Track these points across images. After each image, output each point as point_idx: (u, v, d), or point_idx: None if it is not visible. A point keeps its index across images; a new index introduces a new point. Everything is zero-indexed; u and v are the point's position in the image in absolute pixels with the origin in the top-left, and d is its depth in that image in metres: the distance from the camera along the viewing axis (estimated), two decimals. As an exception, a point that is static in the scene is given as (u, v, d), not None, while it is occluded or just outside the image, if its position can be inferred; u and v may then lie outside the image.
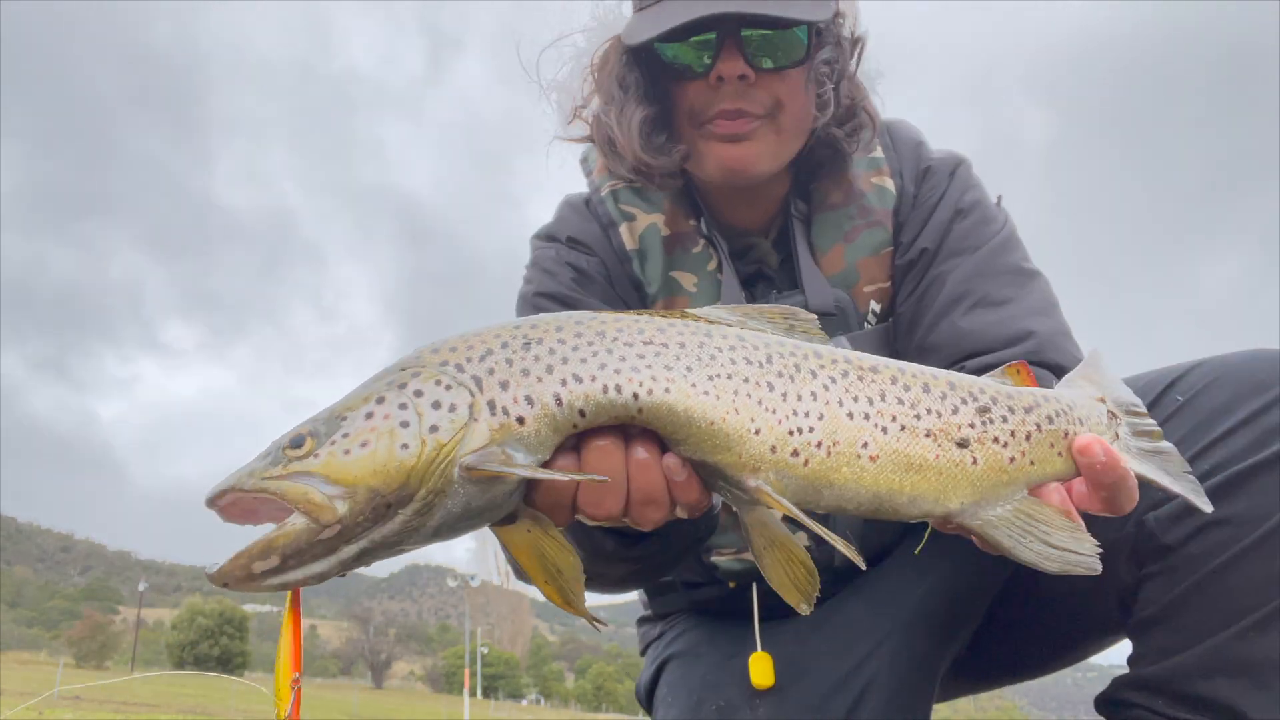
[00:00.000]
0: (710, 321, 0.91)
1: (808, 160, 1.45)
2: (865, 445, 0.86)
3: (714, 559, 1.51)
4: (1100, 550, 0.89)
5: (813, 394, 0.87)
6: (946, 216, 1.44)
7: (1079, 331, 1.37)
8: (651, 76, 1.39)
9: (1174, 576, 1.20)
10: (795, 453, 0.85)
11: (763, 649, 1.47)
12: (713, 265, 1.46)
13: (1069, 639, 1.48)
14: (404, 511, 0.78)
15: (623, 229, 1.48)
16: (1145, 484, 0.98)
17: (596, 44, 1.47)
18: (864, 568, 0.92)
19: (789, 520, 0.91)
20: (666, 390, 0.83)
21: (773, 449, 0.84)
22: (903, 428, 0.88)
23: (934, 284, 1.41)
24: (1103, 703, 1.32)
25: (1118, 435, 0.99)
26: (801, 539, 0.98)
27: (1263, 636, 1.11)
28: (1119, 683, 1.29)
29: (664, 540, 1.11)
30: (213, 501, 0.80)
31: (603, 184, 1.51)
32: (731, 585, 1.54)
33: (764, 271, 1.50)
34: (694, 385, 0.84)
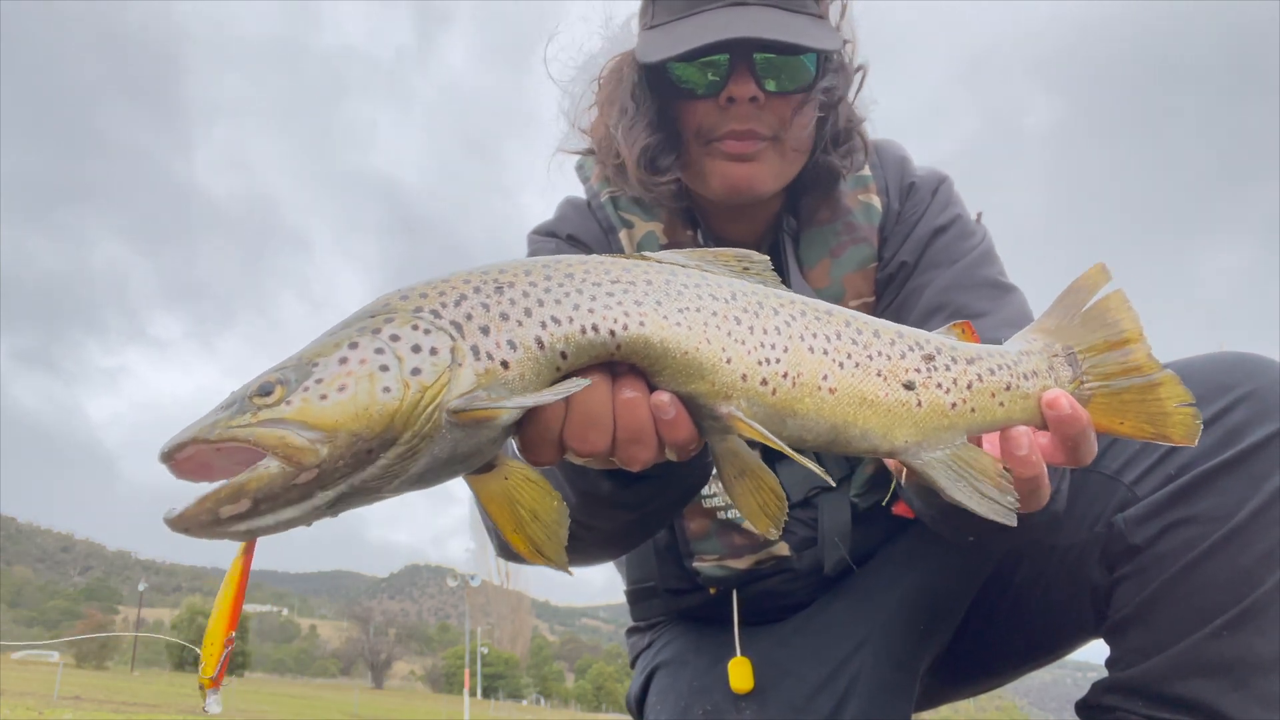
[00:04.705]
0: (673, 263, 0.94)
1: (801, 179, 1.47)
2: (826, 378, 0.90)
3: (696, 565, 1.52)
4: (1017, 508, 0.93)
5: (776, 329, 0.91)
6: (926, 232, 1.47)
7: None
8: (657, 92, 1.41)
9: (1144, 577, 1.22)
10: (764, 381, 0.88)
11: (746, 654, 1.49)
12: None
13: (1044, 640, 1.50)
14: (386, 455, 0.78)
15: (622, 235, 1.50)
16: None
17: (598, 55, 1.49)
18: (833, 484, 0.95)
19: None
20: (641, 324, 0.86)
21: (743, 377, 0.88)
22: (857, 365, 0.92)
23: (912, 295, 1.44)
24: (1083, 707, 1.34)
25: (1082, 382, 1.01)
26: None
27: (1236, 634, 1.13)
28: (1098, 687, 1.31)
29: (660, 482, 1.12)
30: (170, 455, 0.76)
31: (601, 190, 1.53)
32: (713, 591, 1.56)
33: None
34: (666, 318, 0.87)
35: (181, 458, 0.76)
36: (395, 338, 0.80)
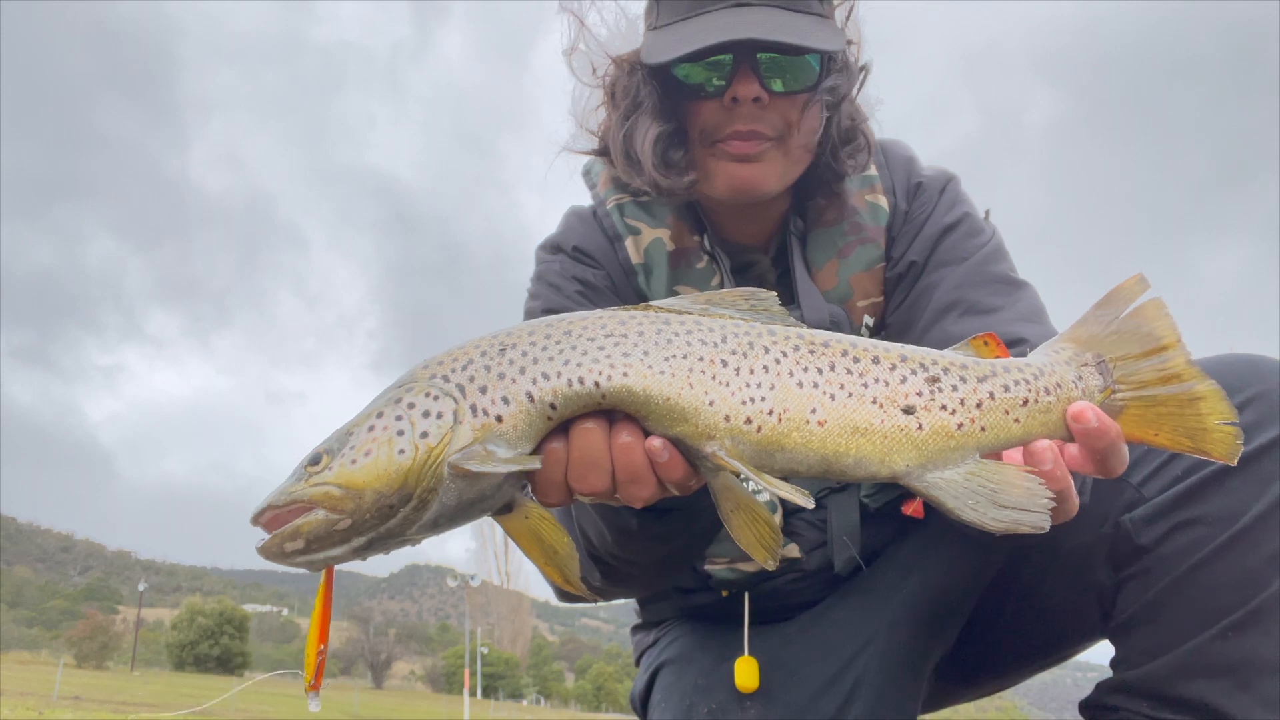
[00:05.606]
0: (672, 311, 0.99)
1: (807, 180, 1.48)
2: (814, 411, 0.93)
3: (708, 568, 1.53)
4: (1053, 505, 0.92)
5: (765, 367, 0.94)
6: (935, 231, 1.47)
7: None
8: (663, 93, 1.41)
9: (1150, 578, 1.23)
10: (748, 420, 0.92)
11: (752, 653, 1.50)
12: (716, 281, 1.49)
13: (1049, 641, 1.50)
14: (404, 509, 0.91)
15: (628, 242, 1.50)
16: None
17: (604, 53, 1.49)
18: (811, 507, 0.96)
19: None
20: (625, 374, 0.93)
21: (726, 418, 0.92)
22: (850, 395, 0.94)
23: (924, 294, 1.44)
24: (1086, 707, 1.34)
25: (1114, 392, 0.99)
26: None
27: (1242, 636, 1.13)
28: (1102, 687, 1.31)
29: (685, 515, 1.17)
30: (255, 520, 0.93)
31: (608, 197, 1.52)
32: (724, 594, 1.56)
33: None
34: (650, 367, 0.93)
35: (263, 521, 0.93)
36: (411, 405, 0.93)
